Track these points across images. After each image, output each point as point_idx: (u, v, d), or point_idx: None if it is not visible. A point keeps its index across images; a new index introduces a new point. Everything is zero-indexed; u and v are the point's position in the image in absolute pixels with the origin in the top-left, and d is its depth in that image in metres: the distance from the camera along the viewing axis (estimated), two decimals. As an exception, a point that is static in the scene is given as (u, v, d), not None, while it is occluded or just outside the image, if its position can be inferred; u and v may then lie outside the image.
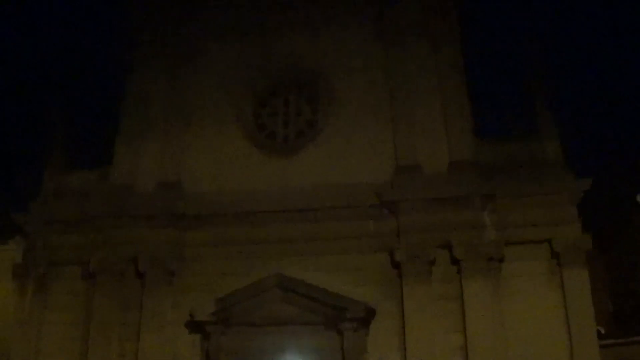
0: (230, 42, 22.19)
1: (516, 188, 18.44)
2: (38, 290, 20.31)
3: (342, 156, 19.94)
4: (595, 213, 19.89)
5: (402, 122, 19.84)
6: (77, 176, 21.75)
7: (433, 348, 17.30)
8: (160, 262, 19.26)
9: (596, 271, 20.14)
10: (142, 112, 21.45)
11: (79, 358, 19.20)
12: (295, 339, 17.82)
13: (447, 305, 17.76)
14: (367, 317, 17.72)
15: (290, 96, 21.38)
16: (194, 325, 18.51)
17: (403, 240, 18.23)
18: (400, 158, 19.42)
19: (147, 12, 22.95)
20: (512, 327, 17.46)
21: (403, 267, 18.00)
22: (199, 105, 21.60)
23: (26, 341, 19.86)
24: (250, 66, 21.71)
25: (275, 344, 17.91)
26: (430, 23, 20.86)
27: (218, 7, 22.60)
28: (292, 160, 20.23)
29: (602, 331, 20.42)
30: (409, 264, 17.93)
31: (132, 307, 19.24)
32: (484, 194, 18.24)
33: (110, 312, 19.16)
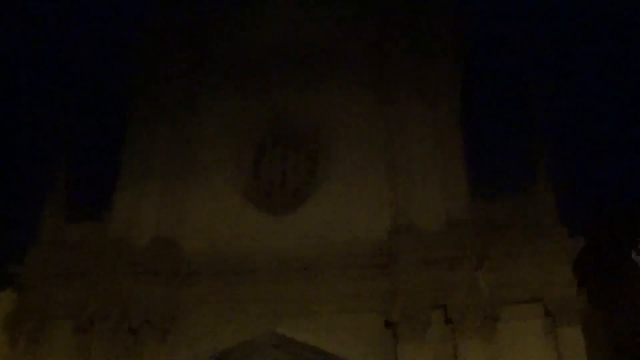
0: (232, 94, 22.52)
1: (511, 247, 18.63)
2: (30, 344, 20.04)
3: (339, 214, 20.07)
4: (591, 269, 19.90)
5: (399, 180, 20.04)
6: (74, 228, 21.74)
7: (428, 409, 17.17)
8: (154, 318, 19.10)
9: (593, 327, 20.01)
10: (141, 164, 21.59)
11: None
12: (289, 399, 17.71)
13: (442, 365, 17.66)
14: (361, 378, 17.61)
15: (288, 151, 21.54)
16: (189, 382, 18.35)
17: (398, 301, 18.18)
18: (396, 217, 19.53)
19: (149, 61, 23.33)
20: None
21: (398, 327, 17.94)
22: (198, 156, 21.80)
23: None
24: (251, 118, 21.99)
25: (270, 404, 17.80)
26: (428, 82, 21.23)
27: (221, 60, 23.01)
28: (288, 218, 20.32)
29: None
30: (404, 324, 17.86)
31: (127, 360, 19.03)
32: (479, 254, 18.31)
33: (104, 367, 18.91)
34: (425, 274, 18.31)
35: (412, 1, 22.68)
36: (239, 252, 19.73)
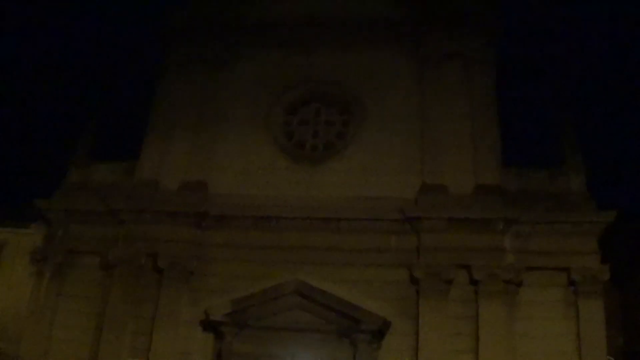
0: (266, 52, 22.46)
1: (539, 215, 18.57)
2: (55, 277, 20.55)
3: (369, 170, 20.07)
4: (615, 246, 19.85)
5: (431, 141, 19.99)
6: (102, 168, 22.08)
7: (445, 367, 17.35)
8: (180, 260, 19.42)
9: (610, 303, 20.05)
10: (173, 111, 21.80)
11: (91, 348, 19.35)
12: (308, 347, 17.89)
13: (462, 326, 17.83)
14: (381, 330, 17.80)
15: (322, 106, 21.58)
16: (208, 325, 18.62)
17: (423, 258, 18.35)
18: (426, 176, 19.55)
19: (189, 12, 23.31)
20: (524, 352, 17.56)
21: (421, 284, 18.11)
22: (230, 109, 21.85)
23: (39, 326, 20.08)
24: (284, 76, 21.96)
25: (288, 350, 17.97)
26: (466, 49, 21.02)
27: (257, 17, 22.85)
28: (319, 170, 20.39)
29: (613, 361, 20.38)
30: (427, 281, 18.04)
31: (147, 302, 19.41)
32: (507, 219, 18.34)
33: (125, 305, 19.32)
34: (451, 234, 18.39)
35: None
36: (267, 199, 19.85)
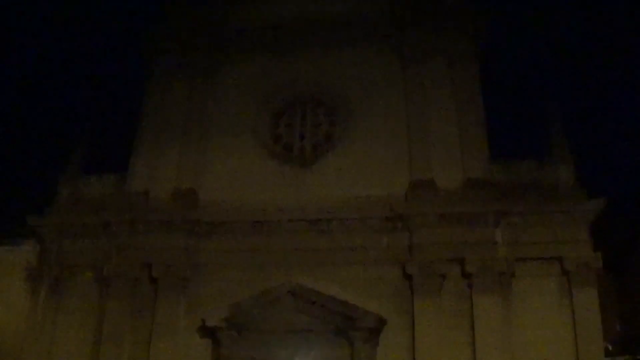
0: (251, 57, 22.62)
1: (529, 206, 18.72)
2: (51, 294, 20.52)
3: (358, 169, 20.21)
4: (607, 233, 19.99)
5: (418, 138, 20.15)
6: (92, 181, 22.06)
7: (442, 361, 17.41)
8: (174, 268, 19.46)
9: (605, 290, 20.18)
10: (161, 121, 21.87)
11: (91, 361, 19.28)
12: (306, 347, 18.00)
13: (457, 320, 17.94)
14: (377, 327, 17.90)
15: (308, 109, 21.70)
16: (206, 331, 18.67)
17: (415, 254, 18.46)
18: (415, 173, 19.67)
19: (172, 23, 23.46)
20: (520, 343, 17.65)
21: (414, 280, 18.21)
22: (217, 115, 21.97)
23: (39, 343, 20.02)
24: (270, 80, 22.11)
25: (286, 352, 18.09)
26: (449, 45, 21.20)
27: (242, 24, 23.03)
28: (308, 171, 20.52)
29: (610, 348, 20.47)
30: (421, 277, 18.15)
31: (145, 312, 19.45)
32: (497, 211, 18.45)
33: (122, 317, 19.36)
34: (442, 229, 18.51)
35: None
36: (258, 203, 19.95)
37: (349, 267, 18.87)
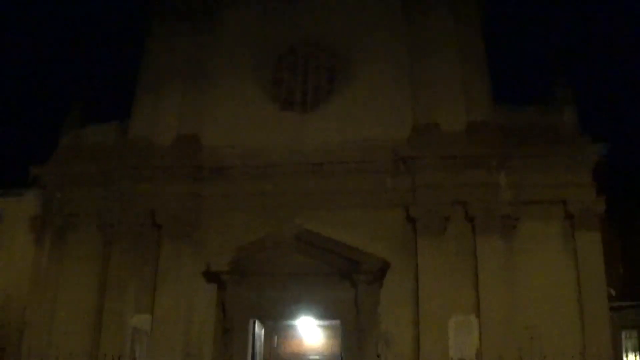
0: (253, 7, 22.25)
1: (532, 150, 18.64)
2: (56, 242, 20.57)
3: (360, 113, 20.08)
4: (610, 178, 19.94)
5: (421, 82, 19.97)
6: (95, 129, 21.91)
7: (445, 303, 17.56)
8: (178, 214, 19.49)
9: (609, 235, 20.22)
10: (162, 67, 21.59)
11: (96, 308, 19.48)
12: (310, 290, 18.18)
13: (461, 262, 18.00)
14: (381, 270, 17.99)
15: (310, 54, 21.44)
16: (211, 276, 18.81)
17: (419, 197, 18.45)
18: (418, 116, 19.58)
19: None
20: (523, 285, 17.74)
21: (418, 222, 18.25)
22: (218, 60, 21.72)
23: (44, 291, 20.13)
24: (271, 25, 21.81)
25: (291, 295, 18.27)
26: None
27: None
28: (310, 116, 20.40)
29: (613, 293, 20.61)
30: (424, 219, 18.17)
31: (149, 259, 19.55)
32: (501, 154, 18.41)
33: (127, 264, 19.46)
34: (446, 172, 18.48)
35: None
36: (260, 148, 19.85)
37: (353, 210, 18.88)
